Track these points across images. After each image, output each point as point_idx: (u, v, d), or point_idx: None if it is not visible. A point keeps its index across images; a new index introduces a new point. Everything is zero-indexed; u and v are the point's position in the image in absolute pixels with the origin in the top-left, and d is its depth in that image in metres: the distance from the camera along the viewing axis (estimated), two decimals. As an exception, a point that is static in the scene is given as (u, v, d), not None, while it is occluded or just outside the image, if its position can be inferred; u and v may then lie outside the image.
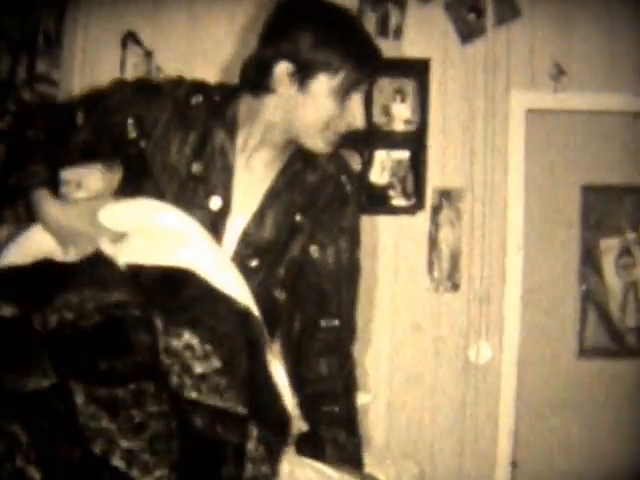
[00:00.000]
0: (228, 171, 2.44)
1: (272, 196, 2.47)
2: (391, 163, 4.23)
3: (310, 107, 2.31)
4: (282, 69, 2.27)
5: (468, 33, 4.28)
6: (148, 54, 4.28)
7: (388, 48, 4.24)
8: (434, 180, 4.24)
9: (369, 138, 4.20)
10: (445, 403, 4.22)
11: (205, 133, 2.43)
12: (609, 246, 4.26)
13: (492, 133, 4.23)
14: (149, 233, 2.36)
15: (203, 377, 2.16)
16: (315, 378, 2.57)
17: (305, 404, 2.53)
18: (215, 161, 2.44)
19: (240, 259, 2.45)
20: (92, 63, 4.27)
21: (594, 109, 4.23)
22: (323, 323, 2.56)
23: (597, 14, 4.21)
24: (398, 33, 4.28)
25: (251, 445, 2.20)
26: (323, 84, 2.28)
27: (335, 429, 2.52)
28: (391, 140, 4.25)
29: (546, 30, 4.24)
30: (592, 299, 4.24)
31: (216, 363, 2.17)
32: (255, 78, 2.33)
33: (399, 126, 4.25)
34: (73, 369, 2.04)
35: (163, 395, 2.09)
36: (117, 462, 1.95)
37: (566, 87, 4.22)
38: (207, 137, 2.43)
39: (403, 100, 4.24)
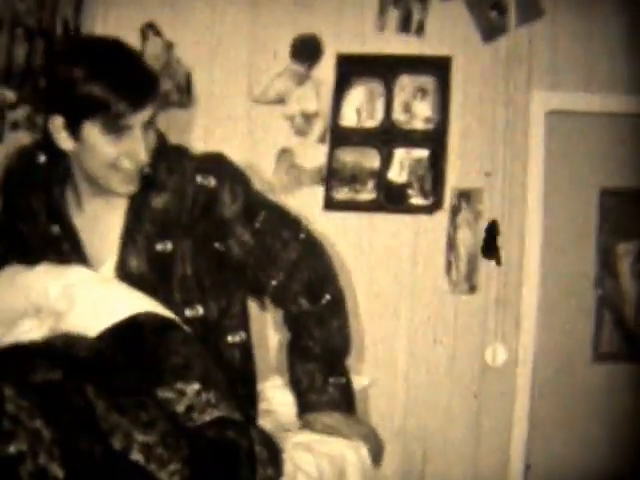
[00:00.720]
0: (74, 235, 2.42)
1: (126, 239, 2.42)
2: (410, 162, 4.19)
3: (90, 155, 2.26)
4: (56, 123, 2.25)
5: (490, 31, 4.23)
6: (169, 46, 4.22)
7: (410, 45, 4.25)
8: (453, 180, 4.20)
9: (389, 136, 4.16)
10: (460, 404, 4.19)
11: (51, 194, 2.42)
12: (626, 250, 4.23)
13: (512, 133, 4.19)
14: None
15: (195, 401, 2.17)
16: (298, 310, 2.54)
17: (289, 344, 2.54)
18: (64, 223, 2.42)
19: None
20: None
21: (615, 111, 4.19)
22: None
23: (620, 15, 4.17)
24: (420, 30, 4.22)
25: (257, 448, 2.20)
26: (91, 130, 2.22)
27: (313, 364, 2.52)
28: (411, 138, 4.21)
29: (569, 30, 4.19)
30: (608, 303, 4.22)
31: (195, 385, 2.17)
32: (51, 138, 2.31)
33: (419, 124, 4.20)
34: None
35: (159, 406, 2.09)
36: (136, 456, 1.94)
37: (587, 88, 4.17)
38: (53, 198, 2.42)
39: (424, 98, 4.19)
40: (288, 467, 2.32)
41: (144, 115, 2.24)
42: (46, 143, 2.36)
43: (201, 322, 2.46)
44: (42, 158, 2.44)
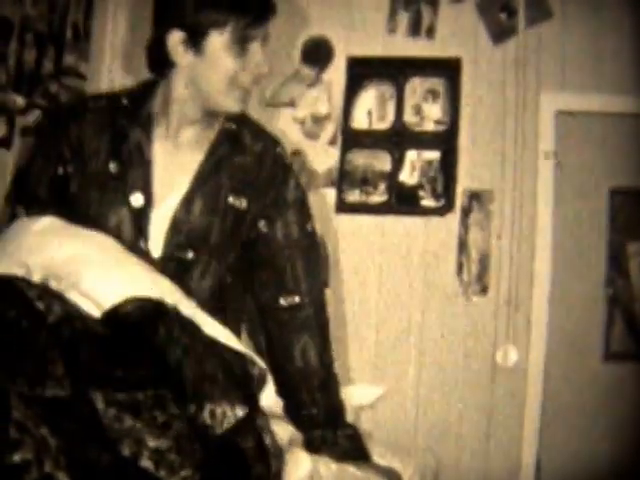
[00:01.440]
0: (147, 166, 2.42)
1: (200, 180, 2.45)
2: (421, 163, 4.20)
3: (210, 69, 2.32)
4: (174, 39, 2.29)
5: (499, 33, 4.24)
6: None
7: (420, 47, 4.26)
8: (464, 181, 4.21)
9: (400, 138, 4.17)
10: (472, 404, 4.20)
11: (119, 134, 2.44)
12: (636, 250, 4.24)
13: (522, 134, 4.20)
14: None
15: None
16: (293, 370, 2.52)
17: (288, 407, 2.50)
18: (133, 159, 2.42)
19: (172, 251, 2.42)
20: (121, 57, 4.20)
21: (624, 111, 4.20)
22: (282, 301, 2.52)
23: (629, 15, 4.18)
24: (430, 33, 4.23)
25: (267, 439, 2.21)
26: (216, 42, 2.29)
27: (319, 430, 2.50)
28: (422, 140, 4.22)
29: (577, 31, 4.20)
30: (619, 303, 4.23)
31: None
32: (156, 58, 2.37)
33: (430, 126, 4.21)
34: (89, 376, 1.99)
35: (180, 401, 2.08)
36: (146, 463, 1.91)
37: (596, 89, 4.19)
38: (122, 138, 2.43)
39: (434, 100, 4.20)
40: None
41: (264, 31, 2.33)
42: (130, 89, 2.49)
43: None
44: (125, 101, 2.47)
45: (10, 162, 3.65)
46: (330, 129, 4.27)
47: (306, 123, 4.28)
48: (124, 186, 2.41)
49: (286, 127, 4.27)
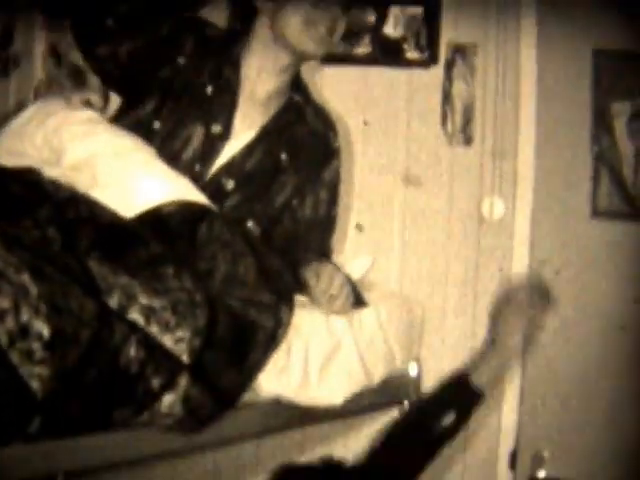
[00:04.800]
0: (232, 104, 2.61)
1: (264, 134, 2.64)
2: (405, 18, 4.21)
3: (288, 8, 2.53)
4: None
5: None
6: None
7: None
8: (448, 35, 4.21)
9: (384, -8, 4.20)
10: (457, 258, 4.12)
11: (217, 65, 2.62)
12: (620, 110, 4.23)
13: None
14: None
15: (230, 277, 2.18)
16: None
17: None
18: (223, 91, 2.61)
19: (217, 180, 2.58)
20: None
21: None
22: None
23: None
24: None
25: (280, 332, 2.18)
26: None
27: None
28: (405, -5, 4.24)
29: None
30: (605, 161, 4.19)
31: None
32: (240, 8, 2.66)
33: (413, -19, 4.24)
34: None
35: (184, 274, 2.03)
36: (134, 315, 1.86)
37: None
38: (219, 69, 2.62)
39: (417, -46, 4.23)
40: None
41: None
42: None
43: None
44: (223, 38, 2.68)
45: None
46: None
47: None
48: (210, 112, 2.59)
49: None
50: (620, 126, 4.23)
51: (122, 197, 2.21)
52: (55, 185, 2.16)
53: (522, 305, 2.69)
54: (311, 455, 3.65)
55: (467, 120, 4.13)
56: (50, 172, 2.23)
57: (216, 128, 2.57)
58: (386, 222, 4.14)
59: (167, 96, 2.58)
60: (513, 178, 4.10)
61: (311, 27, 2.53)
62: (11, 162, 2.26)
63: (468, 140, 4.12)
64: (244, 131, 2.63)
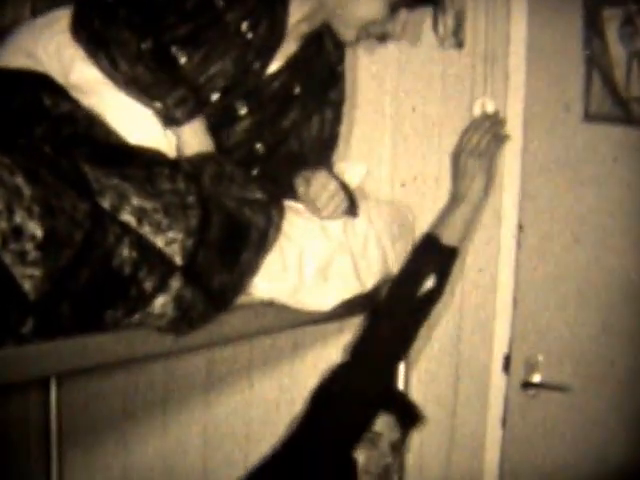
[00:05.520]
0: (276, 44, 2.59)
1: (289, 66, 2.64)
2: None
3: (364, 4, 2.49)
4: None
5: None
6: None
7: None
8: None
9: None
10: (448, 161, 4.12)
11: (262, 7, 2.55)
12: (612, 15, 4.20)
13: None
14: None
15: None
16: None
17: None
18: (266, 31, 2.55)
19: (229, 104, 2.55)
20: None
21: None
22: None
23: None
24: None
25: (272, 232, 2.18)
26: None
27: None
28: None
29: None
30: (596, 64, 4.17)
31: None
32: None
33: None
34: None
35: (179, 176, 2.02)
36: (126, 217, 1.86)
37: None
38: (264, 11, 2.55)
39: None
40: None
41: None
42: None
43: None
44: None
45: None
46: None
47: None
48: (252, 52, 2.54)
49: None
50: (611, 31, 4.21)
51: (124, 126, 2.24)
52: (55, 100, 2.16)
53: (478, 148, 2.72)
54: (303, 356, 3.71)
55: (458, 25, 4.10)
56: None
57: (255, 66, 2.56)
58: (377, 131, 4.13)
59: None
60: (504, 82, 4.08)
61: (365, 29, 2.56)
62: (20, 62, 2.25)
63: (460, 44, 4.09)
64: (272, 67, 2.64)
